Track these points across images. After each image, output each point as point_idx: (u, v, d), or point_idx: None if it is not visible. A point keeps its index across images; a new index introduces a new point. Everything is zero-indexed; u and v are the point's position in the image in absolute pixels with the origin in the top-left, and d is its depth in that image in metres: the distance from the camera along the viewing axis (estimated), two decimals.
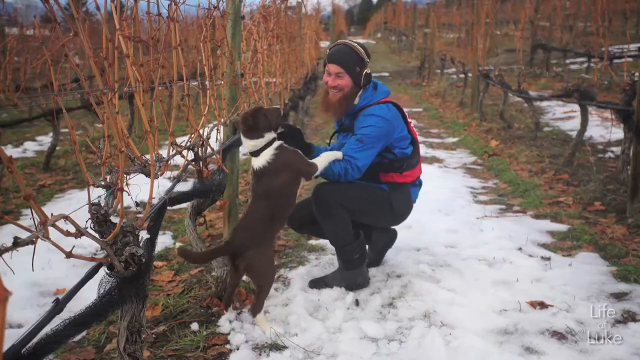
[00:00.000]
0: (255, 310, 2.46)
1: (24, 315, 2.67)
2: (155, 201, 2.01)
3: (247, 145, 2.51)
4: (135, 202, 1.75)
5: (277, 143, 2.51)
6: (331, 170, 2.69)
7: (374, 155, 2.74)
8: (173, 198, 2.21)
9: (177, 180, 2.45)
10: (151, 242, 1.82)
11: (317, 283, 2.88)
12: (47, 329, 1.33)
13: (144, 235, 1.81)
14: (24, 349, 1.21)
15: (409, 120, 2.93)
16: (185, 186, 2.57)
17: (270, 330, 2.42)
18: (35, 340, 1.26)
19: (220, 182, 2.60)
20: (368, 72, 2.76)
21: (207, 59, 2.50)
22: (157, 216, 1.96)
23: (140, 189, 1.72)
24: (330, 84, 2.79)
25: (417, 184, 2.97)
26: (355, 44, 2.79)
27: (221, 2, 2.74)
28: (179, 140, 2.18)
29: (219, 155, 2.64)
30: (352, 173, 2.70)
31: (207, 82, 2.53)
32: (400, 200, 2.86)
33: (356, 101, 2.81)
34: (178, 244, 2.44)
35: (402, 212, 2.92)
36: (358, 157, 2.70)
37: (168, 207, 2.15)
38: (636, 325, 2.40)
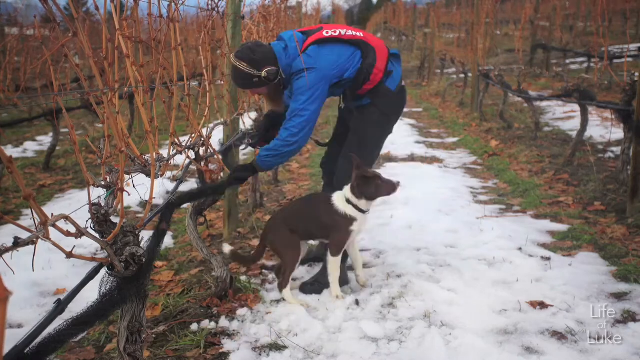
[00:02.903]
0: (281, 286, 2.73)
1: (24, 315, 2.67)
2: (162, 202, 2.02)
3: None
4: (145, 201, 1.75)
5: None
6: (273, 145, 2.66)
7: (309, 106, 2.61)
8: (181, 197, 2.23)
9: (179, 181, 2.47)
10: (156, 243, 1.83)
11: (307, 286, 2.87)
12: (49, 330, 1.33)
13: (147, 235, 1.81)
14: (27, 349, 1.22)
15: (342, 33, 2.73)
16: (186, 186, 2.58)
17: (271, 330, 2.42)
18: (38, 340, 1.26)
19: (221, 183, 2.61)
20: (265, 73, 2.59)
21: (207, 66, 2.50)
22: (167, 217, 1.98)
23: (147, 189, 1.72)
24: (251, 93, 2.97)
25: (389, 73, 2.83)
26: (237, 62, 2.60)
27: (221, 2, 2.74)
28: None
29: (219, 156, 2.64)
30: (287, 140, 2.63)
31: (206, 84, 2.53)
32: (385, 103, 2.84)
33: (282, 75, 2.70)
34: (228, 248, 2.82)
35: (396, 108, 2.93)
36: (291, 115, 2.64)
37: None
38: (636, 325, 2.40)
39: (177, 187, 2.45)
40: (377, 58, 2.76)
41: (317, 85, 2.62)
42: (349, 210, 2.71)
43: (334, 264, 2.74)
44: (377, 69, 2.76)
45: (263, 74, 2.59)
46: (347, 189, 2.75)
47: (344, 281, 2.88)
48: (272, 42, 2.76)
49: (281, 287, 2.73)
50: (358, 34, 2.77)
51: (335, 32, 2.72)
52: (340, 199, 2.75)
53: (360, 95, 2.83)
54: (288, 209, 2.99)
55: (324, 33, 2.71)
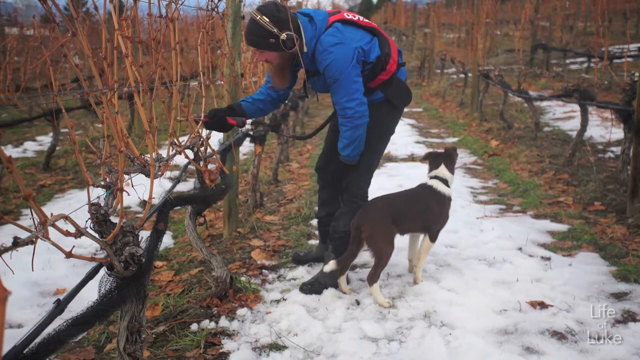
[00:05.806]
0: (371, 280, 2.70)
1: (24, 315, 2.67)
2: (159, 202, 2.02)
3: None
4: (144, 201, 1.75)
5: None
6: (345, 138, 2.67)
7: (357, 78, 2.60)
8: (177, 199, 2.22)
9: (177, 180, 2.46)
10: (155, 243, 1.83)
11: (307, 286, 2.86)
12: (49, 330, 1.33)
13: (146, 235, 1.80)
14: (26, 350, 1.22)
15: (360, 19, 2.72)
16: (185, 186, 2.58)
17: (271, 330, 2.42)
18: (37, 340, 1.26)
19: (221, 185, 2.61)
20: (285, 36, 2.46)
21: (207, 68, 2.50)
22: (164, 216, 1.98)
23: (146, 189, 1.71)
24: (258, 58, 2.67)
25: (400, 65, 2.83)
26: (259, 16, 2.47)
27: (221, 2, 2.74)
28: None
29: (219, 156, 2.64)
30: (358, 111, 2.61)
31: (204, 85, 2.53)
32: (397, 94, 2.80)
33: (305, 49, 2.59)
34: (329, 267, 2.75)
35: (406, 99, 2.87)
36: (347, 96, 2.59)
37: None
38: (636, 325, 2.40)
39: (174, 186, 2.44)
40: (392, 49, 2.76)
41: (350, 64, 2.56)
42: (449, 191, 2.92)
43: (430, 249, 2.92)
44: (392, 59, 2.75)
45: (282, 36, 2.45)
46: (442, 171, 2.93)
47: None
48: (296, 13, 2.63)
49: (372, 281, 2.70)
50: (373, 24, 2.78)
51: (354, 17, 2.71)
52: (440, 184, 2.90)
53: (372, 88, 2.76)
54: (390, 202, 2.84)
55: (345, 15, 2.68)
